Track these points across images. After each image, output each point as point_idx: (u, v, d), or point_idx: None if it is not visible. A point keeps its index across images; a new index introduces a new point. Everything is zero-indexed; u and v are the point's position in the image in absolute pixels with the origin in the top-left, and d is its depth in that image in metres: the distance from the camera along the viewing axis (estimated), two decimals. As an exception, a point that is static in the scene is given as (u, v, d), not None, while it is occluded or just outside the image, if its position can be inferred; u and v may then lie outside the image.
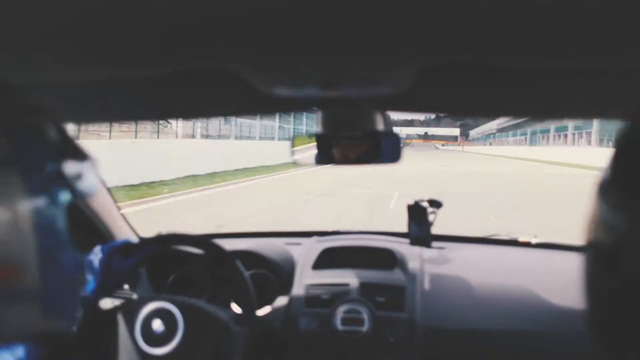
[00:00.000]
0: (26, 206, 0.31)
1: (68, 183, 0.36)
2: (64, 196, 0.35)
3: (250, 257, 1.27)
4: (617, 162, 0.26)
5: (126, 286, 1.34)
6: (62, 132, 0.39)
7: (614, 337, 0.27)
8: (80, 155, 0.39)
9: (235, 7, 0.33)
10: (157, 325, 0.95)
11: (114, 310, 0.99)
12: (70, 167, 0.37)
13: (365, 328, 1.15)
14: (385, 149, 0.81)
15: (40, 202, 0.32)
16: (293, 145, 0.86)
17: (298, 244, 1.45)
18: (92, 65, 0.47)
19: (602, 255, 0.26)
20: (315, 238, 1.48)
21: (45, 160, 0.34)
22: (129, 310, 0.97)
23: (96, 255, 0.97)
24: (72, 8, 0.33)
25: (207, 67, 0.47)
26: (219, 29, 0.37)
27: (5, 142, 0.32)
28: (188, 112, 0.78)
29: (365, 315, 1.17)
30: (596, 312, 0.29)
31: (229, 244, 1.19)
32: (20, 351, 0.47)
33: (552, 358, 1.11)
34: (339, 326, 1.16)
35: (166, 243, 1.18)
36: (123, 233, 1.42)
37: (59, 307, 0.34)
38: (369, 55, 0.43)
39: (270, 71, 0.48)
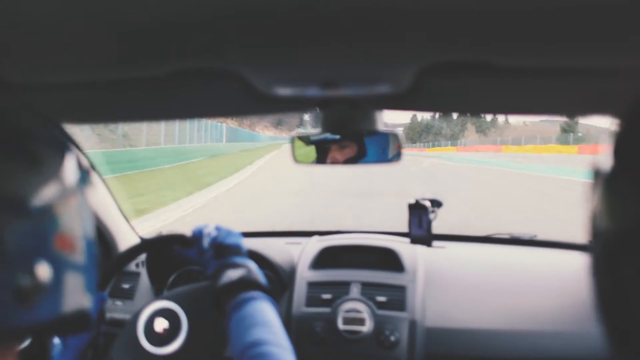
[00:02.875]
0: (72, 184, 0.35)
1: (84, 170, 0.40)
2: (85, 182, 0.39)
3: (250, 257, 1.27)
4: (622, 151, 0.27)
5: (126, 286, 1.34)
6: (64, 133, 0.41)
7: (630, 326, 0.27)
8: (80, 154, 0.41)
9: (236, 7, 0.33)
10: (161, 325, 0.95)
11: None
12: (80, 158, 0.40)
13: (366, 327, 1.15)
14: (370, 149, 0.82)
15: (80, 186, 0.37)
16: (293, 146, 0.86)
17: (299, 243, 1.45)
18: (91, 66, 0.47)
19: (615, 242, 0.27)
20: (316, 237, 1.48)
21: (72, 147, 0.38)
22: (128, 329, 0.97)
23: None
24: (72, 8, 0.33)
25: (207, 67, 0.47)
26: (219, 29, 0.37)
27: (49, 127, 0.36)
28: (188, 113, 0.78)
29: (366, 315, 1.17)
30: (610, 302, 0.29)
31: None
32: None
33: (553, 358, 1.10)
34: (340, 325, 1.16)
35: (166, 243, 1.18)
36: (124, 234, 1.42)
37: (92, 283, 0.38)
38: (369, 54, 0.43)
39: (271, 71, 0.48)
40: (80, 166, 0.37)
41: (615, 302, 0.28)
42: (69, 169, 0.35)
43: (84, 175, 0.38)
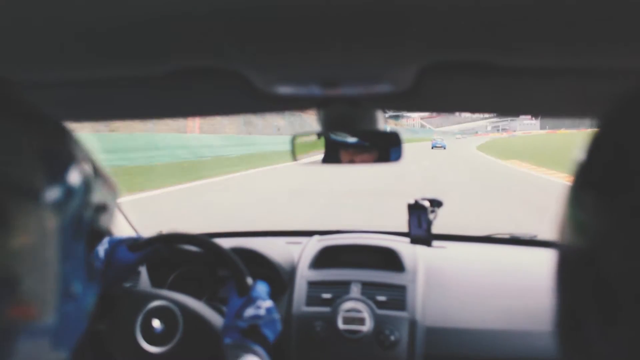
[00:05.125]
0: (54, 241, 0.30)
1: (92, 210, 0.34)
2: (88, 225, 0.34)
3: (251, 256, 1.27)
4: (592, 163, 0.26)
5: (126, 285, 1.34)
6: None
7: (581, 339, 0.26)
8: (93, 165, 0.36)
9: (236, 6, 0.33)
10: (157, 324, 0.95)
11: (122, 297, 1.00)
12: (95, 193, 0.35)
13: (366, 327, 1.15)
14: (387, 149, 0.81)
15: (67, 235, 0.31)
16: (294, 143, 0.86)
17: (299, 243, 1.45)
18: (92, 64, 0.47)
19: (575, 257, 0.26)
20: (316, 237, 1.48)
21: (73, 189, 0.32)
22: (135, 302, 0.98)
23: (103, 246, 0.98)
24: (72, 7, 0.33)
25: (208, 66, 0.46)
26: (220, 28, 0.37)
27: (37, 173, 0.30)
28: (189, 111, 0.77)
29: (366, 314, 1.17)
30: (566, 313, 0.28)
31: (229, 243, 1.19)
32: None
33: (553, 357, 1.10)
34: (340, 325, 1.16)
35: (166, 242, 1.18)
36: (125, 234, 1.42)
37: (68, 340, 0.34)
38: (369, 54, 0.43)
39: (271, 70, 0.48)
40: (76, 213, 0.32)
41: (568, 319, 0.27)
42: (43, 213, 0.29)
43: (76, 223, 0.32)
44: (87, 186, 0.33)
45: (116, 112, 0.75)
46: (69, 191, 0.31)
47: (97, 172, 0.36)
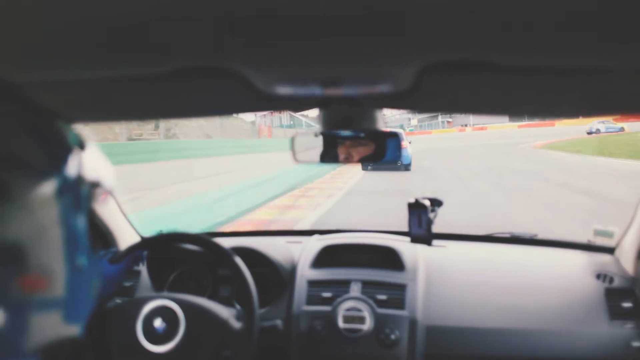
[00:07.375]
0: (55, 212, 0.31)
1: (88, 186, 0.36)
2: (86, 200, 0.35)
3: (251, 256, 1.27)
4: None
5: (127, 284, 1.34)
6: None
7: None
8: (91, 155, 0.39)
9: (237, 6, 0.33)
10: (159, 323, 0.95)
11: (115, 309, 1.00)
12: (88, 170, 0.37)
13: (366, 326, 1.16)
14: (389, 149, 0.80)
15: (67, 207, 0.32)
16: (293, 143, 0.86)
17: (299, 242, 1.45)
18: (91, 65, 0.47)
19: None
20: (316, 236, 1.48)
21: (69, 163, 0.34)
22: (131, 308, 0.98)
23: None
24: (72, 6, 0.33)
25: (208, 66, 0.46)
26: (220, 28, 0.37)
27: (33, 146, 0.32)
28: (188, 112, 0.77)
29: (366, 313, 1.17)
30: None
31: (230, 243, 1.19)
32: None
33: (553, 357, 1.11)
34: (340, 324, 1.16)
35: (167, 242, 1.18)
36: (125, 234, 1.42)
37: (79, 313, 0.34)
38: (370, 53, 0.43)
39: (271, 70, 0.48)
40: (74, 185, 0.34)
41: None
42: (49, 195, 0.31)
43: (74, 195, 0.34)
44: (79, 162, 0.35)
45: (115, 112, 0.74)
46: (61, 163, 0.33)
47: (83, 146, 0.38)
